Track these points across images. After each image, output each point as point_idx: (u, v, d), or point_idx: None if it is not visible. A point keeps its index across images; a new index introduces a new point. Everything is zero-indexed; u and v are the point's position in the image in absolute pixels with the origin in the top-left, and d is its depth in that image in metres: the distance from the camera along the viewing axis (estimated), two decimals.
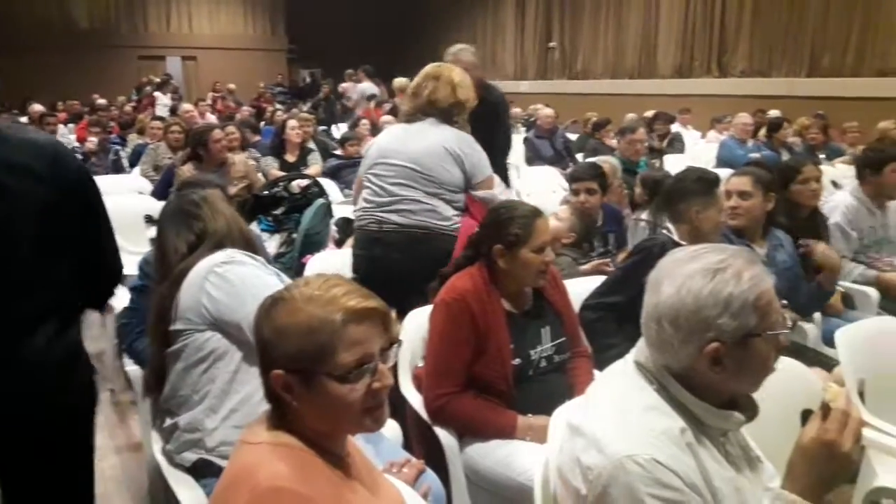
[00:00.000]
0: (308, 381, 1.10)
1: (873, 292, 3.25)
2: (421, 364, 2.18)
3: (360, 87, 9.89)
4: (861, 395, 2.16)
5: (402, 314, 2.22)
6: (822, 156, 6.21)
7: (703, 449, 1.16)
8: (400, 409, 2.15)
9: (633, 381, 1.23)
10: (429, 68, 2.85)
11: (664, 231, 2.60)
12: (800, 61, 10.33)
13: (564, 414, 1.34)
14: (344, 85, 11.20)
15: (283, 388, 1.11)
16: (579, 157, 6.85)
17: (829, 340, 2.67)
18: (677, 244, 2.49)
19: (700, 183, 2.54)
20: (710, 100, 10.60)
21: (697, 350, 1.14)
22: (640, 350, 1.25)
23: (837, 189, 5.02)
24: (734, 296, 1.12)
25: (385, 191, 2.67)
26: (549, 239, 2.11)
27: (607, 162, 4.01)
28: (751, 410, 1.21)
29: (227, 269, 1.74)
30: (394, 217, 2.65)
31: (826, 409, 1.12)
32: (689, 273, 1.16)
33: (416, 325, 2.24)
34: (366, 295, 1.14)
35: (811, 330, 2.94)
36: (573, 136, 8.18)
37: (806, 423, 1.90)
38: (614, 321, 2.34)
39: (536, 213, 2.09)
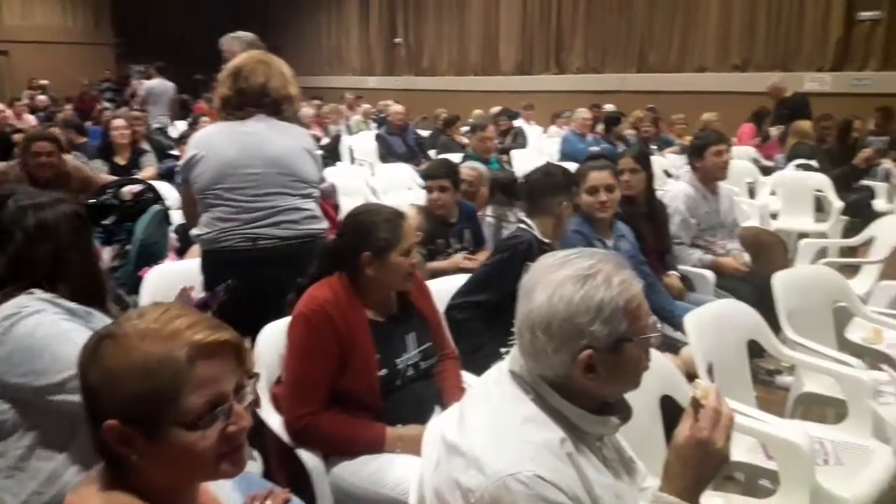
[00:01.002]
0: (150, 431, 0.94)
1: (710, 275, 3.48)
2: (280, 382, 2.03)
3: (148, 85, 9.22)
4: (710, 374, 2.28)
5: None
6: (654, 147, 6.63)
7: (583, 458, 1.13)
8: (258, 433, 1.99)
9: (509, 391, 1.18)
10: (254, 53, 2.53)
11: (524, 226, 2.63)
12: (630, 58, 11.07)
13: (438, 426, 1.27)
14: (134, 82, 10.57)
15: (118, 441, 0.94)
16: (432, 153, 6.88)
17: (673, 323, 2.83)
18: (541, 241, 2.55)
19: (565, 177, 2.60)
20: (551, 96, 11.09)
21: (571, 357, 1.12)
22: (514, 359, 1.21)
23: (671, 178, 5.38)
24: (605, 302, 1.11)
25: (250, 204, 2.37)
26: (416, 240, 2.03)
27: (475, 169, 4.01)
28: (625, 412, 1.20)
29: (9, 324, 1.44)
30: (272, 231, 2.37)
31: (697, 407, 1.12)
32: (560, 280, 1.13)
33: (272, 340, 2.09)
34: (214, 325, 0.99)
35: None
36: (425, 133, 8.21)
37: (665, 409, 2.00)
38: (481, 321, 2.31)
39: (399, 214, 2.01)
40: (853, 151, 6.33)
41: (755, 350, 2.54)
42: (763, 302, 2.74)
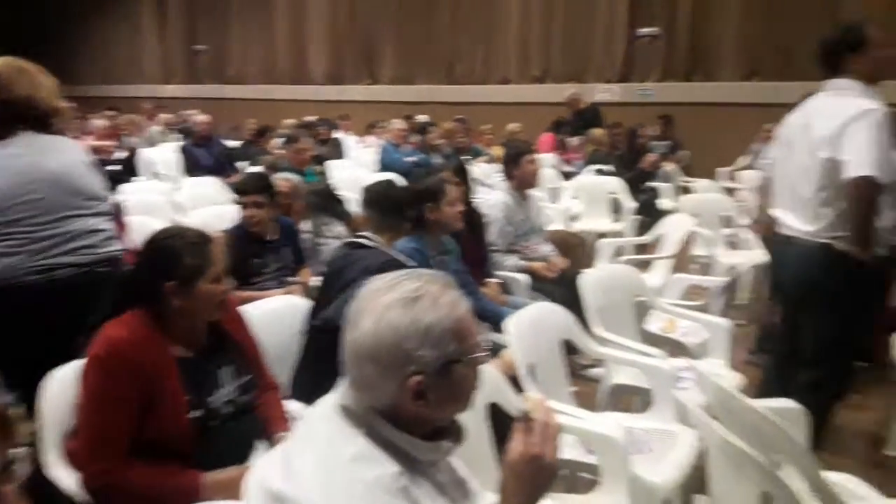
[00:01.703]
0: None
1: (525, 278, 3.63)
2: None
3: None
4: (531, 374, 2.35)
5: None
6: (468, 157, 6.84)
7: (418, 488, 1.08)
8: (49, 497, 1.73)
9: (339, 428, 1.10)
10: (8, 60, 2.23)
11: (366, 240, 2.57)
12: (438, 70, 11.38)
13: (259, 474, 1.16)
14: None
15: None
16: (242, 166, 6.57)
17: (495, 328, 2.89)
18: (386, 254, 2.51)
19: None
20: (364, 106, 11.10)
21: (399, 385, 1.07)
22: (343, 393, 1.13)
23: (484, 188, 5.56)
24: (433, 324, 1.08)
25: (39, 233, 2.11)
26: (224, 265, 1.86)
27: (288, 180, 3.85)
28: (457, 434, 1.17)
29: None
30: (69, 259, 2.13)
31: (527, 421, 1.12)
32: (386, 305, 1.08)
33: (60, 388, 1.83)
34: None
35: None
36: (233, 144, 7.82)
37: (493, 416, 2.02)
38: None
39: (206, 237, 1.83)
40: (640, 156, 6.98)
41: (573, 346, 2.67)
42: (574, 301, 2.89)
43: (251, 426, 1.86)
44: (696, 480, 2.14)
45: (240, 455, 1.77)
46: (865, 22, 2.58)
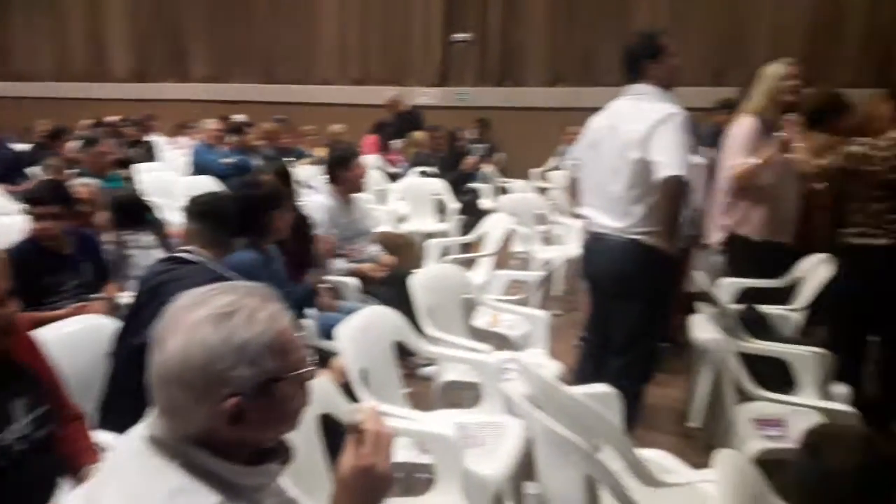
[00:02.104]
0: None
1: (353, 282, 3.59)
2: None
3: None
4: (365, 380, 2.32)
5: None
6: (290, 159, 6.65)
7: None
8: None
9: (150, 462, 0.99)
10: None
11: (189, 255, 2.38)
12: (257, 69, 10.98)
13: None
14: None
15: None
16: (33, 172, 5.88)
17: (326, 334, 2.83)
18: (213, 271, 2.34)
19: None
20: (173, 105, 10.43)
21: (214, 409, 0.98)
22: (152, 423, 1.02)
23: (309, 190, 5.43)
24: (249, 341, 0.99)
25: None
26: (7, 286, 1.63)
27: (87, 185, 3.48)
28: (285, 454, 1.11)
29: None
30: None
31: (358, 432, 1.09)
32: (195, 322, 0.99)
33: None
34: None
35: (309, 326, 3.08)
36: (21, 148, 6.99)
37: (326, 427, 1.97)
38: None
39: None
40: (461, 158, 7.20)
41: (405, 347, 2.68)
42: (405, 302, 2.91)
43: (51, 463, 1.66)
44: (526, 468, 2.23)
45: (40, 497, 1.57)
46: (661, 32, 2.81)
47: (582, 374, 2.87)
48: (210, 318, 0.99)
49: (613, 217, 2.71)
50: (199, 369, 0.97)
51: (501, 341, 3.25)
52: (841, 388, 2.69)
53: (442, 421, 2.30)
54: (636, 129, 2.61)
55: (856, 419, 2.38)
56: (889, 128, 2.89)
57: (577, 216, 3.07)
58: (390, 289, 3.54)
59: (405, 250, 4.36)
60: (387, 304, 2.80)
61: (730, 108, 4.58)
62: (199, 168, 6.22)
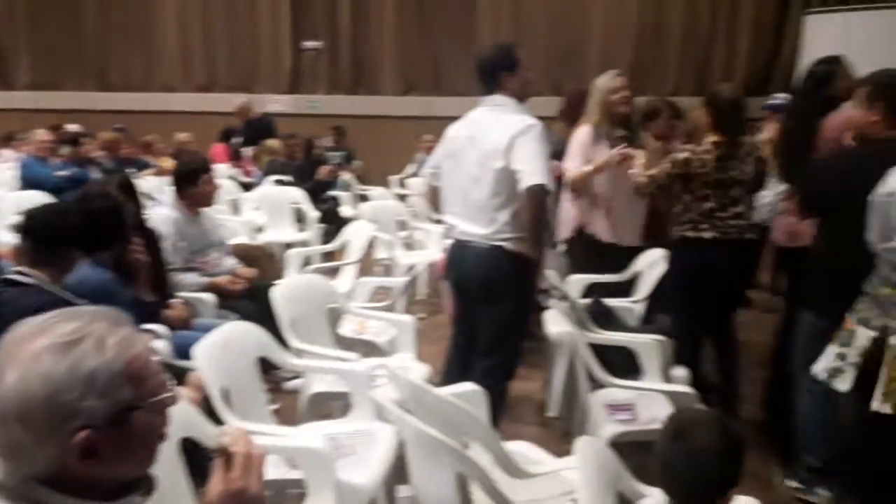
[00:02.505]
0: None
1: (209, 297, 3.44)
2: None
3: None
4: (227, 399, 2.24)
5: None
6: (132, 170, 6.26)
7: None
8: None
9: None
10: None
11: (21, 276, 2.16)
12: (89, 75, 10.22)
13: None
14: None
15: None
16: None
17: (182, 353, 2.69)
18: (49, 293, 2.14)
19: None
20: None
21: (62, 445, 0.92)
22: None
23: (152, 202, 5.15)
24: (98, 369, 0.93)
25: None
26: None
27: None
28: (147, 485, 1.04)
29: None
30: None
31: (225, 455, 1.05)
32: (35, 353, 0.91)
33: None
34: None
35: (160, 345, 2.92)
36: None
37: (186, 451, 1.87)
38: None
39: None
40: (318, 166, 7.12)
41: (270, 362, 2.61)
42: (267, 315, 2.83)
43: None
44: (399, 472, 2.25)
45: None
46: (514, 45, 2.90)
47: (450, 375, 2.93)
48: (53, 347, 0.92)
49: (478, 224, 2.76)
50: (41, 403, 0.90)
51: (369, 348, 3.26)
52: (680, 371, 2.93)
53: (311, 434, 2.27)
54: (497, 139, 2.68)
55: (695, 398, 2.61)
56: (707, 133, 3.15)
57: (438, 222, 3.12)
58: (250, 302, 3.43)
59: (263, 262, 4.25)
60: (247, 319, 2.71)
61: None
62: (29, 182, 5.69)
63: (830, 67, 3.04)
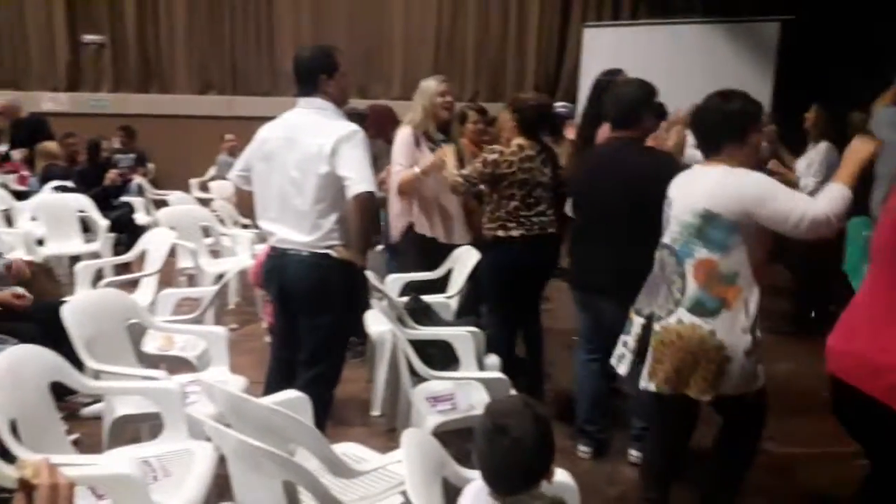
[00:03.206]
0: None
1: None
2: None
3: None
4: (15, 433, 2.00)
5: None
6: None
7: None
8: None
9: None
10: None
11: None
12: None
13: None
14: None
15: None
16: None
17: None
18: None
19: None
20: None
21: None
22: None
23: None
24: None
25: None
26: None
27: None
28: None
29: None
30: None
31: (28, 489, 0.95)
32: None
33: None
34: None
35: None
36: None
37: None
38: None
39: None
40: (106, 170, 6.54)
41: (66, 388, 2.36)
42: (59, 336, 2.56)
43: None
44: (220, 490, 2.15)
45: None
46: (334, 48, 2.83)
47: (271, 387, 2.82)
48: None
49: (300, 231, 2.66)
50: None
51: (179, 364, 3.07)
52: (493, 359, 3.10)
53: (119, 460, 2.10)
54: (319, 143, 2.60)
55: (508, 384, 2.77)
56: (513, 136, 3.39)
57: (247, 226, 2.99)
58: (34, 324, 3.08)
59: (40, 279, 3.81)
60: (32, 342, 2.42)
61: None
62: None
63: (612, 78, 3.41)
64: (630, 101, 2.86)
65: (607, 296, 2.84)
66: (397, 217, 3.83)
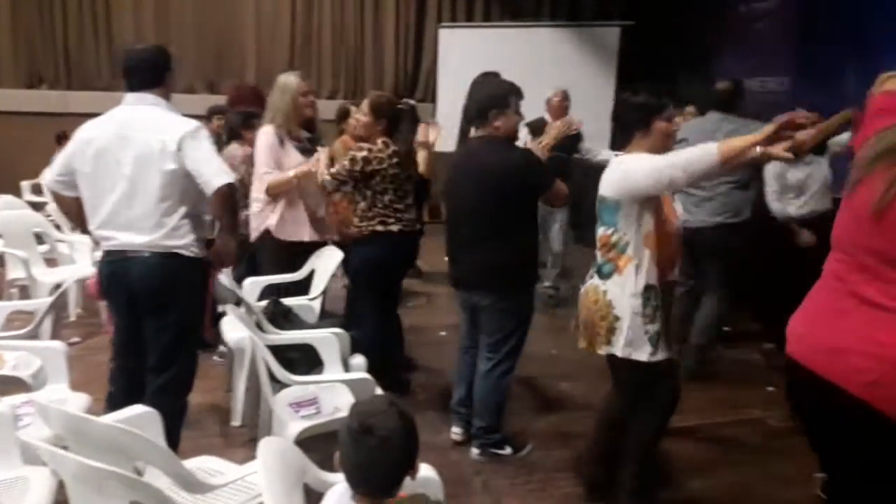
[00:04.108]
0: None
1: None
2: None
3: None
4: None
5: None
6: None
7: None
8: None
9: None
10: None
11: None
12: None
13: None
14: None
15: None
16: None
17: None
18: None
19: None
20: None
21: None
22: None
23: None
24: None
25: None
26: None
27: None
28: None
29: None
30: None
31: None
32: None
33: None
34: None
35: None
36: None
37: None
38: None
39: None
40: None
41: None
42: None
43: None
44: None
45: None
46: (167, 46, 2.74)
47: (115, 401, 2.64)
48: None
49: (142, 232, 2.53)
50: None
51: (11, 384, 2.79)
52: (358, 359, 3.08)
53: None
54: (161, 139, 2.48)
55: (373, 384, 2.76)
56: (378, 135, 3.42)
57: (86, 232, 2.76)
58: None
59: None
60: None
61: (219, 113, 4.85)
62: None
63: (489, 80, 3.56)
64: (482, 101, 2.99)
65: (477, 290, 3.00)
66: (256, 217, 3.73)
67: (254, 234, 3.75)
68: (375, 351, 3.30)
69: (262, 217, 3.70)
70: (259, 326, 2.94)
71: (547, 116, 4.97)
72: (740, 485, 2.99)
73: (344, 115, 4.43)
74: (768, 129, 2.09)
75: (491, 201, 2.87)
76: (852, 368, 1.58)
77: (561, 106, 5.07)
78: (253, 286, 3.60)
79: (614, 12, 8.36)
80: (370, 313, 3.56)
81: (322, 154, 3.54)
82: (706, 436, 3.41)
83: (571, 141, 3.91)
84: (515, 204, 2.88)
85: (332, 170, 3.41)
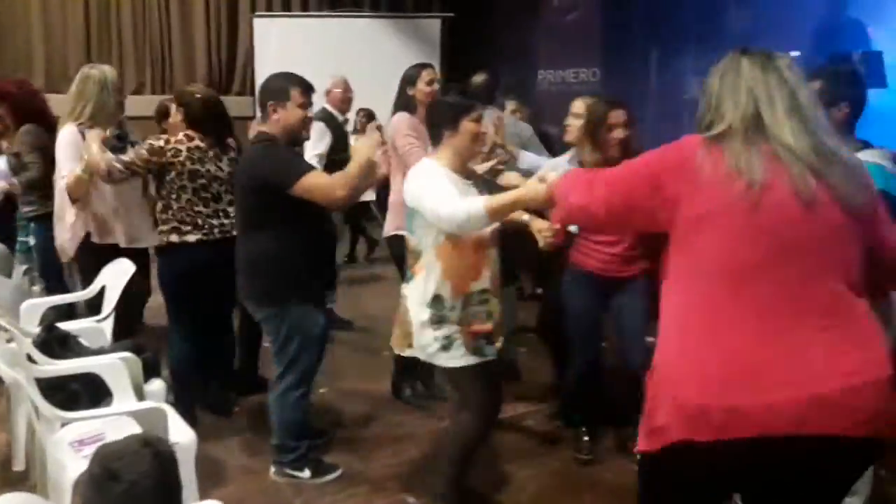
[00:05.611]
0: None
1: None
2: None
3: None
4: None
5: None
6: None
7: None
8: None
9: None
10: None
11: None
12: None
13: None
14: None
15: None
16: None
17: None
18: None
19: None
20: None
21: None
22: None
23: None
24: None
25: None
26: None
27: None
28: None
29: None
30: None
31: None
32: None
33: None
34: None
35: None
36: None
37: None
38: None
39: None
40: None
41: None
42: None
43: None
44: None
45: None
46: None
47: None
48: None
49: None
50: None
51: None
52: (156, 384, 2.77)
53: None
54: None
55: (165, 414, 2.46)
56: (180, 126, 3.19)
57: None
58: None
59: None
60: None
61: None
62: None
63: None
64: (259, 95, 2.89)
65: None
66: (70, 228, 3.35)
67: (69, 246, 3.38)
68: (183, 373, 3.00)
69: (74, 225, 3.36)
70: (29, 358, 2.54)
71: (329, 108, 4.64)
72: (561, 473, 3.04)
73: (163, 113, 4.10)
74: (540, 191, 2.00)
75: (242, 198, 2.80)
76: (849, 409, 1.29)
77: (344, 98, 4.76)
78: (32, 310, 3.15)
79: (435, 4, 8.39)
80: (176, 332, 3.26)
81: (92, 138, 3.12)
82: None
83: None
84: (249, 200, 2.74)
85: (126, 158, 3.05)
